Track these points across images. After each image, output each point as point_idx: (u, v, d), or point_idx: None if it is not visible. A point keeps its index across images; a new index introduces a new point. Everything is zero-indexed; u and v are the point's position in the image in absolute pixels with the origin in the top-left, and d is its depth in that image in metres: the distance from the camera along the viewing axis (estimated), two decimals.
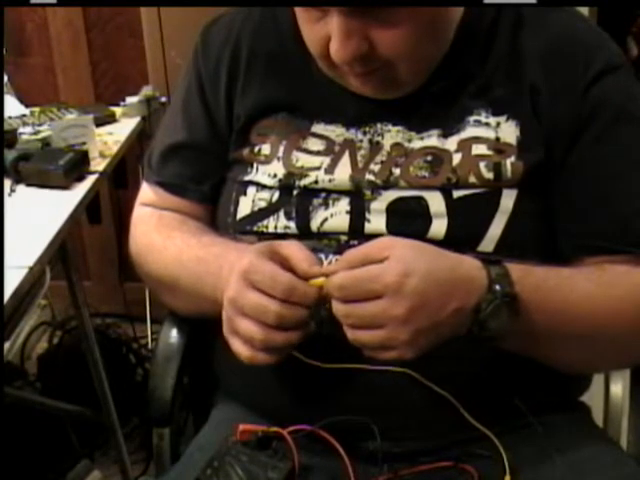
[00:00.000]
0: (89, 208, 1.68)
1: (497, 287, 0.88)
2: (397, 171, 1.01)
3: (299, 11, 0.97)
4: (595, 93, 0.99)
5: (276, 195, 1.05)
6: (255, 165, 1.07)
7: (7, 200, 1.52)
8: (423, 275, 0.85)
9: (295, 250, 0.93)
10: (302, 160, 1.04)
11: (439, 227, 0.99)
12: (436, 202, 1.00)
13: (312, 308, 0.90)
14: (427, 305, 0.85)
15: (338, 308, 0.88)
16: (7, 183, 1.58)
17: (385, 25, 0.91)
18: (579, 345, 0.97)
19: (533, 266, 0.93)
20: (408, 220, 1.00)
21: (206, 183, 1.13)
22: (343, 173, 1.03)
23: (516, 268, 0.91)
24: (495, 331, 0.89)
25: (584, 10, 1.76)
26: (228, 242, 1.05)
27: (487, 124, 1.01)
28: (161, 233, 1.11)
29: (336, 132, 1.04)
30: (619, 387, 1.21)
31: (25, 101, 1.99)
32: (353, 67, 0.95)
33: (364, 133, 1.04)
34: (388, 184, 1.01)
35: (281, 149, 1.05)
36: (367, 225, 1.01)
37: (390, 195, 1.01)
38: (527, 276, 0.91)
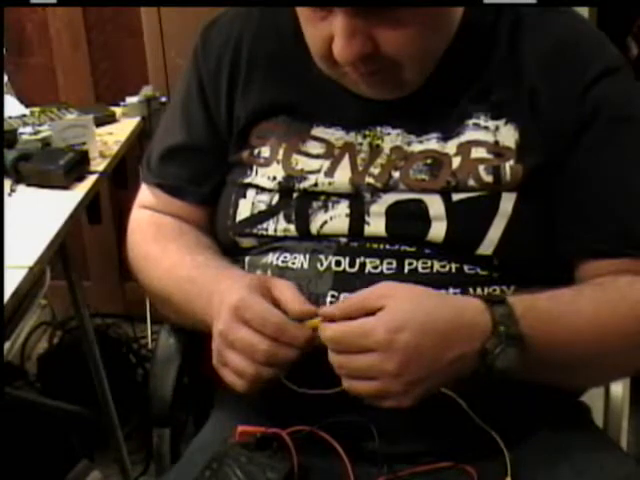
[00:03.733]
0: (89, 208, 1.68)
1: (502, 328, 0.89)
2: (397, 174, 1.01)
3: (302, 10, 0.97)
4: (595, 95, 0.99)
5: (276, 198, 1.05)
6: (255, 168, 1.07)
7: (7, 200, 1.52)
8: (417, 329, 0.86)
9: (284, 290, 0.95)
10: (302, 163, 1.04)
11: (438, 230, 0.99)
12: (435, 205, 1.00)
13: (303, 348, 0.91)
14: (421, 358, 0.86)
15: (332, 358, 0.89)
16: (7, 183, 1.58)
17: (389, 25, 0.91)
18: (587, 368, 0.98)
19: (536, 296, 0.94)
20: (407, 223, 1.00)
21: (205, 185, 1.12)
22: (343, 176, 1.02)
23: (520, 304, 0.91)
24: (502, 371, 0.89)
25: (584, 10, 1.75)
26: (222, 266, 1.05)
27: (486, 127, 1.01)
28: (158, 244, 1.11)
29: (336, 135, 1.04)
30: (619, 387, 1.21)
31: (25, 101, 1.99)
32: (356, 67, 0.95)
33: (364, 136, 1.03)
34: (388, 187, 1.01)
35: (281, 152, 1.05)
36: (367, 228, 1.01)
37: (390, 198, 1.01)
38: (531, 310, 0.91)
